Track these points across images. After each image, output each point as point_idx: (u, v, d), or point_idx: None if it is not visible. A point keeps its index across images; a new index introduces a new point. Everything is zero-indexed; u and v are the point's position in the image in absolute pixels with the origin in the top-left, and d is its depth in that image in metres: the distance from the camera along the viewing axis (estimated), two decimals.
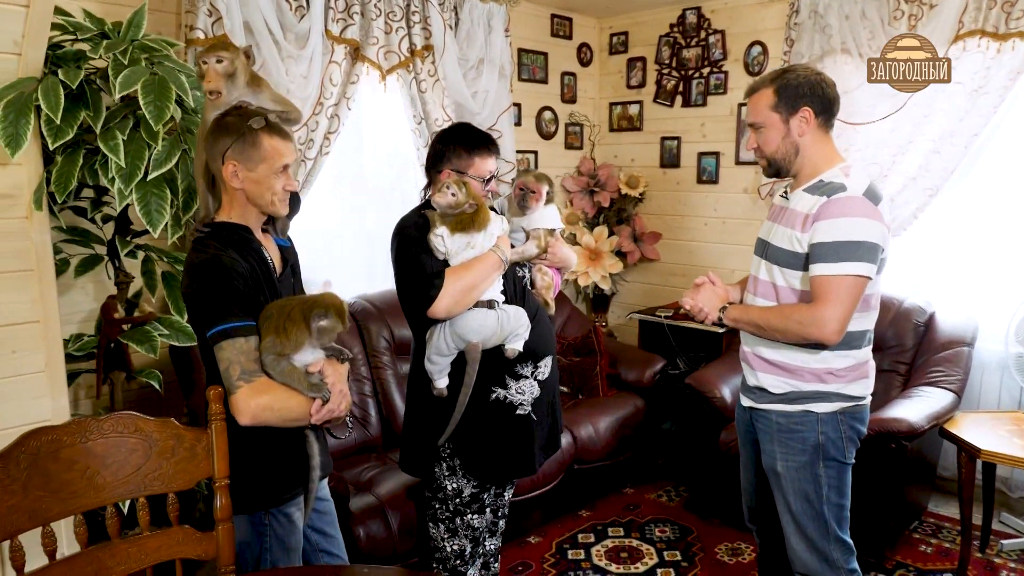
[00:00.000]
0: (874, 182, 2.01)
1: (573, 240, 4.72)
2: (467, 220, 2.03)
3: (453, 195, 2.00)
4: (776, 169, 2.08)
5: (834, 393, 2.04)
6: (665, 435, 4.03)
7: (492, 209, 2.35)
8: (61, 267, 2.44)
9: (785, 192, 2.15)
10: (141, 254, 2.59)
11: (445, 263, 2.07)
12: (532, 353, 2.18)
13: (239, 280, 1.71)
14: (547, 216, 2.33)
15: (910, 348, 3.40)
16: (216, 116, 1.84)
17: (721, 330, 3.83)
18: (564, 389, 3.84)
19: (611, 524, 3.39)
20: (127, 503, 1.93)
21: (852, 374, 2.04)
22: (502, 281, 2.14)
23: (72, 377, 2.61)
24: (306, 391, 1.73)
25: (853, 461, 2.10)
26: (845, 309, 1.90)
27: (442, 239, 2.04)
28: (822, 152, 2.04)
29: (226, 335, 1.67)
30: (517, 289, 2.22)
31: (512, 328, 2.10)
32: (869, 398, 2.12)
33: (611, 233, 4.69)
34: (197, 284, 1.72)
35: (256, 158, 1.76)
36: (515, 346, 2.12)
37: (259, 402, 1.66)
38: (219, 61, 1.81)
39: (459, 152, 2.15)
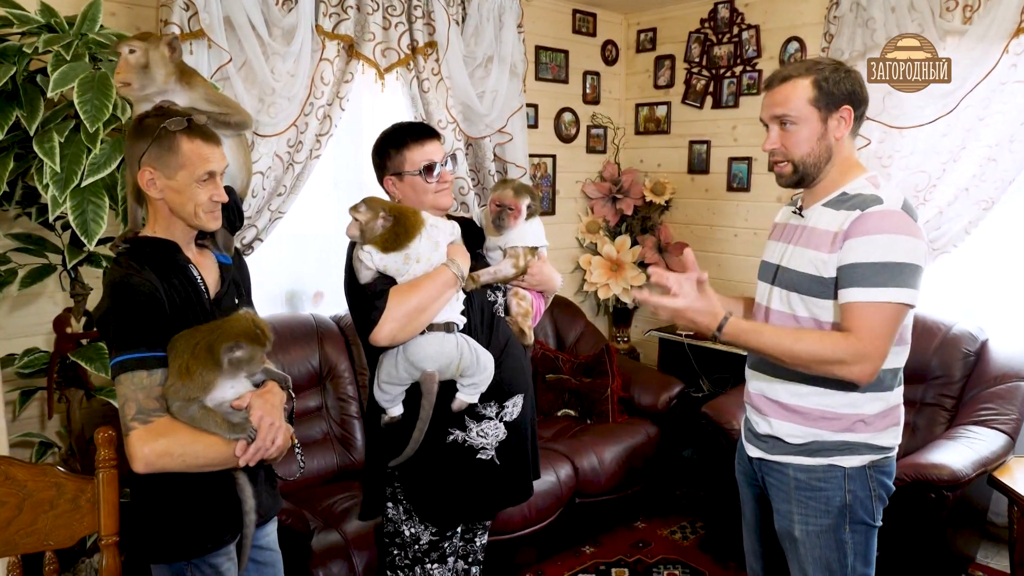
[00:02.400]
0: (907, 196, 1.70)
1: (594, 250, 4.44)
2: (389, 236, 1.77)
3: (355, 219, 1.76)
4: (800, 177, 1.76)
5: (863, 444, 1.73)
6: (684, 464, 3.73)
7: (467, 222, 2.10)
8: (8, 278, 2.28)
9: (798, 208, 1.84)
10: (104, 263, 2.42)
11: (392, 281, 1.82)
12: (498, 391, 1.90)
13: (149, 305, 1.50)
14: (528, 232, 2.04)
15: (958, 380, 3.02)
16: (136, 117, 1.64)
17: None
18: (572, 413, 3.57)
19: (616, 564, 3.11)
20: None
21: (883, 421, 1.74)
22: (462, 300, 1.88)
23: (28, 394, 2.47)
24: (227, 434, 1.51)
25: (881, 523, 1.78)
26: (886, 344, 1.61)
27: (371, 255, 1.79)
28: (847, 161, 1.76)
29: (125, 368, 1.46)
30: (486, 316, 1.95)
31: (472, 362, 1.83)
32: (896, 449, 1.80)
33: (634, 243, 4.39)
34: (103, 309, 1.51)
35: (174, 164, 1.55)
36: (467, 399, 1.85)
37: (155, 447, 1.44)
38: (131, 52, 1.65)
39: (390, 154, 1.92)
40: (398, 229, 1.76)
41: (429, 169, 1.90)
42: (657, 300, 1.66)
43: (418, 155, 1.90)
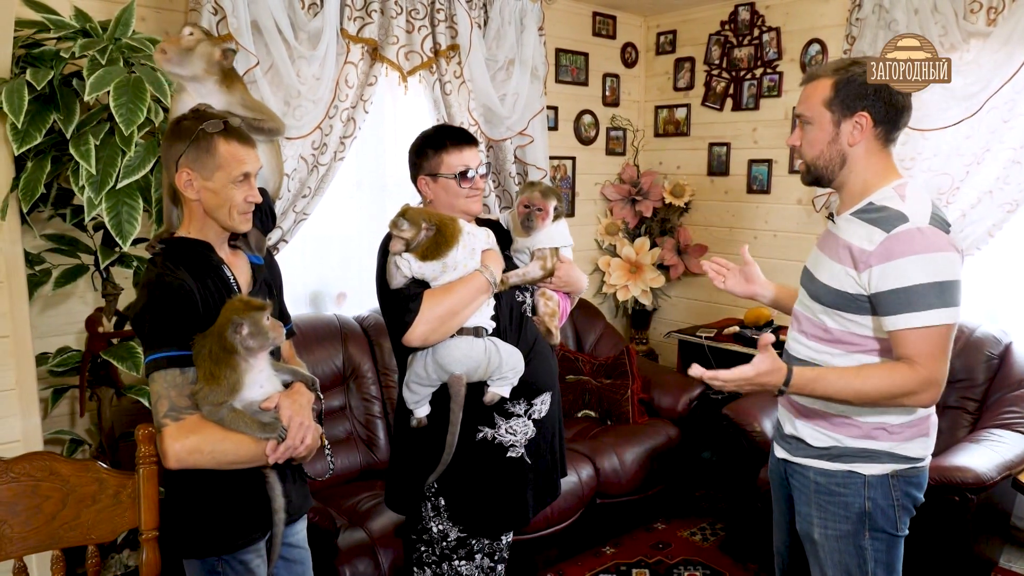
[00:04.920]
0: (936, 204, 1.67)
1: (613, 252, 4.45)
2: (431, 246, 1.79)
3: (403, 234, 1.77)
4: (815, 177, 1.75)
5: (885, 452, 1.70)
6: (704, 465, 3.73)
7: (487, 222, 2.12)
8: (42, 278, 2.33)
9: (832, 213, 1.81)
10: (135, 264, 2.46)
11: (425, 284, 1.85)
12: (527, 389, 1.92)
13: (184, 304, 1.53)
14: (554, 234, 2.07)
15: (981, 383, 3.01)
16: (173, 120, 1.67)
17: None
18: (592, 414, 3.58)
19: (636, 564, 3.11)
20: None
21: (909, 431, 1.71)
22: (493, 305, 1.90)
23: (60, 392, 2.51)
24: (257, 434, 1.54)
25: (907, 532, 1.76)
26: (945, 365, 1.58)
27: (408, 263, 1.81)
28: (875, 168, 1.69)
29: (159, 366, 1.49)
30: (514, 316, 1.97)
31: (499, 365, 1.85)
32: (929, 459, 1.77)
33: (653, 245, 4.40)
34: (138, 307, 1.55)
35: (211, 165, 1.58)
36: (498, 391, 1.87)
37: (185, 444, 1.47)
38: (190, 33, 1.74)
39: (428, 154, 1.95)
40: (439, 239, 1.78)
41: (464, 175, 1.93)
42: (726, 375, 1.65)
43: (455, 159, 1.92)
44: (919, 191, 1.68)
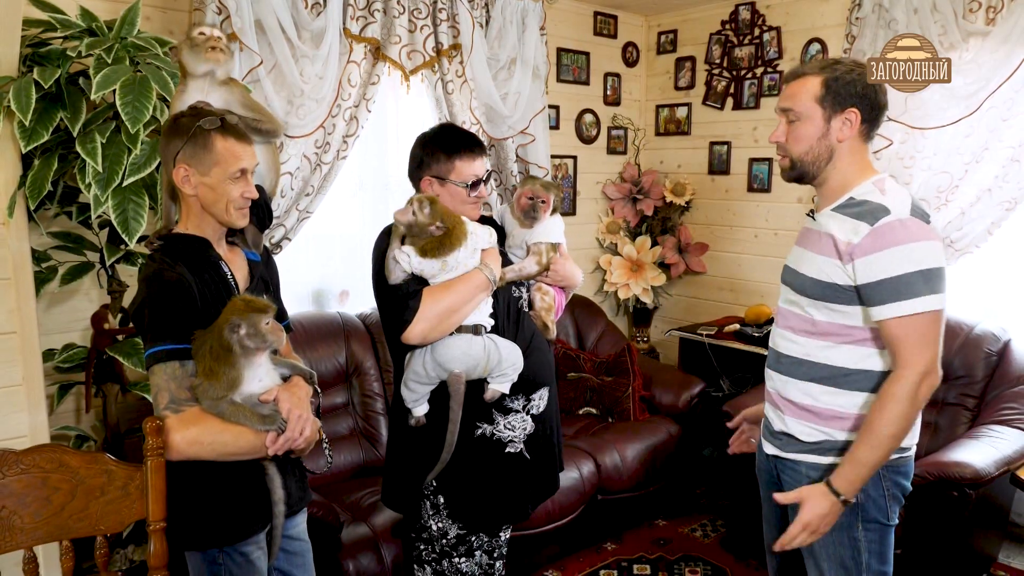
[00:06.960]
0: (915, 196, 1.70)
1: (614, 250, 4.47)
2: (435, 244, 1.80)
3: (413, 214, 1.78)
4: (799, 173, 1.77)
5: None
6: (705, 462, 3.74)
7: (488, 220, 2.14)
8: (48, 275, 2.35)
9: (812, 211, 1.84)
10: (140, 261, 2.48)
11: (424, 282, 1.86)
12: (525, 384, 1.94)
13: (182, 299, 1.56)
14: (550, 228, 2.08)
15: (980, 380, 3.03)
16: (171, 117, 1.70)
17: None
18: (593, 411, 3.60)
19: (637, 560, 3.13)
20: None
21: None
22: (491, 302, 1.92)
23: (66, 389, 2.53)
24: (257, 426, 1.56)
25: (896, 522, 1.79)
26: (934, 349, 1.62)
27: (408, 258, 1.82)
28: (856, 164, 1.74)
29: (158, 359, 1.52)
30: (512, 311, 1.99)
31: (498, 362, 1.86)
32: (914, 448, 1.80)
33: (654, 243, 4.42)
34: (138, 302, 1.57)
35: (208, 161, 1.61)
36: (499, 387, 1.89)
37: (185, 435, 1.49)
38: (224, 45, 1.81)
39: (438, 156, 1.93)
40: (445, 240, 1.79)
41: (474, 185, 1.94)
42: (794, 531, 1.70)
43: (468, 168, 1.92)
44: (897, 185, 1.72)
